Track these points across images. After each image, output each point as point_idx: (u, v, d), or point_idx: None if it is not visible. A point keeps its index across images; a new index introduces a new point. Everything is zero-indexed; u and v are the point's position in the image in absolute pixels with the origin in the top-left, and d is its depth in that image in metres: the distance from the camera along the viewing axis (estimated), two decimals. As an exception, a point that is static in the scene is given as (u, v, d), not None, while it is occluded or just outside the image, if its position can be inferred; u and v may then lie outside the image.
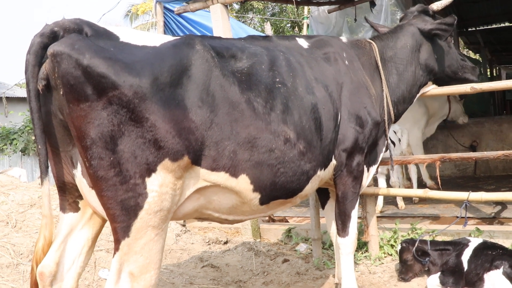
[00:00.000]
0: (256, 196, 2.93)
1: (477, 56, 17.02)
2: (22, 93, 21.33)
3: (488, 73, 16.75)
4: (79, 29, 2.42)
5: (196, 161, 2.60)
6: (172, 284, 4.42)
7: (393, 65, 3.91)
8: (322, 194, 4.07)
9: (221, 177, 2.72)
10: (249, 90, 2.82)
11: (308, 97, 3.13)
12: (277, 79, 3.01)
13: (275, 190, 3.00)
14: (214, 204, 2.90)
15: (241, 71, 2.87)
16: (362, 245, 4.85)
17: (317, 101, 3.18)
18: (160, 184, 2.44)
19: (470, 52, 18.24)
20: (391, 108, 3.81)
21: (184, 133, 2.49)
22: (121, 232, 2.41)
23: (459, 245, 4.00)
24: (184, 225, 6.24)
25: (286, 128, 2.93)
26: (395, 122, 4.00)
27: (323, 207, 4.12)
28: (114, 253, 2.45)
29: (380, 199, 6.54)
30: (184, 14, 7.32)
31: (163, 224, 2.53)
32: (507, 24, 13.67)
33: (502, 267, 3.46)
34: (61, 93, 2.31)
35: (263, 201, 3.01)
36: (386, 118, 3.80)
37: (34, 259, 2.64)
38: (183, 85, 2.53)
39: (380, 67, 3.83)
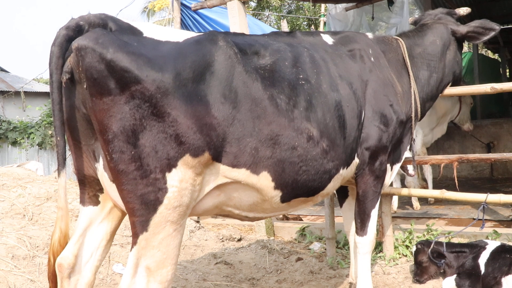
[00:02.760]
0: (278, 193, 2.93)
1: (496, 56, 16.82)
2: (40, 87, 21.58)
3: (508, 73, 16.55)
4: (103, 24, 2.45)
5: (217, 157, 2.61)
6: (185, 280, 4.46)
7: (423, 61, 3.96)
8: (340, 192, 4.08)
9: (242, 174, 2.73)
10: (272, 87, 2.82)
11: (332, 94, 3.12)
12: (301, 76, 3.01)
13: (297, 188, 3.00)
14: (234, 201, 2.91)
15: (264, 68, 2.88)
16: (377, 245, 4.84)
17: (341, 98, 3.17)
18: (180, 179, 2.47)
19: (489, 52, 18.04)
20: (418, 105, 3.82)
21: (205, 129, 2.51)
22: (139, 226, 2.44)
23: (476, 247, 3.98)
24: (198, 222, 6.28)
25: (309, 126, 2.93)
26: (420, 119, 4.00)
27: (341, 206, 4.13)
28: (132, 247, 2.47)
29: (395, 199, 6.53)
30: (200, 10, 7.36)
31: (182, 220, 2.56)
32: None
33: (521, 271, 3.44)
34: (85, 86, 2.35)
35: (284, 199, 3.02)
36: (413, 115, 3.79)
37: (50, 251, 2.67)
38: (206, 81, 2.55)
39: (408, 64, 3.84)
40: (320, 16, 8.41)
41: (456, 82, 4.30)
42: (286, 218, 6.39)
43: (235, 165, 2.69)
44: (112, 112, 2.33)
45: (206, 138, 2.52)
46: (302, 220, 6.37)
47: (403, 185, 6.58)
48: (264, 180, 2.82)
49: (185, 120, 2.45)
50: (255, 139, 2.70)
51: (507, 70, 16.58)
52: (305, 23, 21.45)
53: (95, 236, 2.81)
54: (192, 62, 2.53)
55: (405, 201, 6.98)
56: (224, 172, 2.69)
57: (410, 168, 5.64)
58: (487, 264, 3.76)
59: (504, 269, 3.57)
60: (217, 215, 3.20)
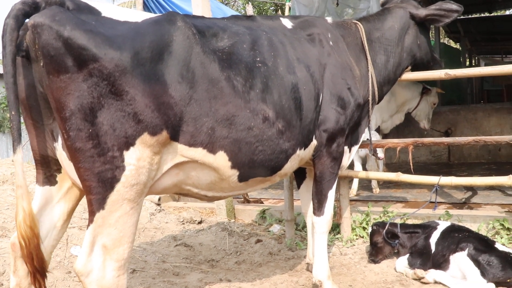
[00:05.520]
0: (235, 173, 3.06)
1: (457, 46, 17.34)
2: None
3: (468, 62, 17.10)
4: (60, 2, 2.48)
5: (175, 136, 2.70)
6: (144, 262, 4.53)
7: (380, 46, 4.06)
8: (298, 174, 4.22)
9: (199, 153, 2.83)
10: (229, 69, 2.92)
11: (289, 76, 3.24)
12: (258, 59, 3.12)
13: (254, 167, 3.13)
14: (193, 180, 3.01)
15: (222, 50, 2.97)
16: (334, 227, 5.03)
17: (298, 81, 3.28)
18: (138, 158, 2.54)
19: (451, 41, 18.56)
20: (376, 88, 3.95)
21: (163, 108, 2.59)
22: (96, 204, 2.50)
23: (428, 228, 4.20)
24: (159, 204, 6.34)
25: (265, 107, 3.04)
26: (378, 103, 4.15)
27: (298, 187, 4.28)
28: (88, 225, 2.53)
29: (355, 183, 6.74)
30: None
31: (139, 198, 2.63)
32: (486, 14, 13.98)
33: (467, 249, 3.66)
34: (41, 64, 2.38)
35: (242, 178, 3.14)
36: (370, 99, 3.93)
37: (18, 233, 2.54)
38: (164, 60, 2.62)
39: (366, 48, 3.95)
40: (286, 1, 8.48)
41: (422, 66, 4.40)
42: (247, 201, 6.52)
43: (192, 144, 2.79)
44: (70, 90, 2.37)
45: (163, 117, 2.60)
46: (262, 203, 6.51)
47: (365, 169, 6.79)
48: (221, 160, 2.94)
49: (143, 98, 2.52)
50: (211, 119, 2.81)
51: (467, 59, 17.12)
52: (272, 8, 21.45)
53: (51, 216, 2.84)
54: (150, 41, 2.59)
55: (365, 185, 7.22)
56: (181, 151, 2.79)
57: (379, 151, 5.82)
58: (437, 243, 3.98)
59: (452, 247, 3.79)
60: (176, 193, 3.29)
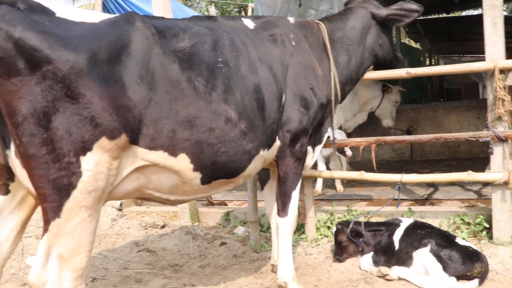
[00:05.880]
0: (197, 175, 3.03)
1: (418, 45, 17.77)
2: None
3: (428, 62, 17.56)
4: (11, 2, 2.39)
5: (134, 139, 2.66)
6: (105, 270, 4.45)
7: (343, 46, 4.12)
8: (262, 175, 4.23)
9: (160, 156, 2.80)
10: (190, 69, 2.90)
11: (251, 77, 3.24)
12: (220, 59, 3.10)
13: (217, 169, 3.12)
14: (154, 184, 2.97)
15: (183, 50, 2.94)
16: (299, 227, 5.06)
17: (260, 81, 3.29)
18: (95, 163, 2.48)
19: (412, 41, 19.01)
20: (338, 88, 4.00)
21: (122, 110, 2.54)
22: (51, 213, 2.42)
23: (391, 225, 4.29)
24: (120, 210, 6.23)
25: (227, 108, 3.04)
26: (341, 102, 4.21)
27: (262, 188, 4.29)
28: (43, 234, 2.46)
29: (319, 182, 6.81)
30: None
31: (97, 205, 2.57)
32: (444, 15, 14.41)
33: (430, 245, 3.76)
34: None
35: (205, 181, 3.12)
36: (333, 98, 3.97)
37: None
38: (122, 62, 2.57)
39: (328, 48, 4.00)
40: (249, 2, 8.49)
41: (385, 65, 4.51)
42: (211, 203, 6.49)
43: (153, 147, 2.76)
44: (22, 93, 2.29)
45: (122, 120, 2.56)
46: (227, 205, 6.49)
47: (328, 168, 6.86)
48: (183, 162, 2.91)
49: (100, 101, 2.47)
50: (172, 121, 2.78)
51: (428, 59, 17.58)
52: (236, 9, 21.43)
53: (4, 228, 2.74)
54: (108, 42, 2.54)
55: (329, 184, 7.30)
56: (141, 155, 2.75)
57: (347, 150, 5.89)
58: (400, 240, 4.07)
59: (415, 244, 3.88)
60: (138, 198, 3.25)
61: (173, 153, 2.85)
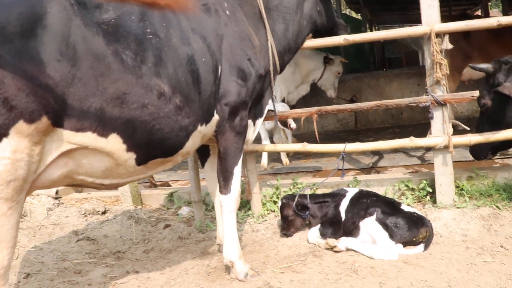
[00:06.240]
0: (131, 156, 2.91)
1: (358, 16, 17.95)
2: None
3: (368, 31, 17.78)
4: None
5: (58, 122, 2.50)
6: (41, 264, 4.23)
7: (279, 14, 4.02)
8: (202, 152, 4.11)
9: (88, 138, 2.65)
10: (117, 42, 2.73)
11: (184, 48, 3.11)
12: (148, 30, 2.95)
13: (152, 148, 3.00)
14: (85, 168, 2.82)
15: (107, 22, 2.76)
16: (245, 204, 5.00)
17: (193, 52, 3.16)
18: (13, 150, 2.31)
19: (352, 12, 19.18)
20: (276, 58, 3.92)
21: (40, 90, 2.37)
22: None
23: (337, 196, 4.29)
24: (57, 198, 5.96)
25: (160, 82, 2.90)
26: (280, 72, 4.12)
27: (203, 166, 4.19)
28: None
29: (265, 157, 6.77)
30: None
31: (18, 196, 2.40)
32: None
33: (375, 213, 3.77)
34: None
35: (140, 161, 3.00)
36: (271, 69, 3.88)
37: None
38: (37, 36, 2.39)
39: (264, 17, 3.89)
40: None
41: (326, 32, 4.45)
42: (154, 185, 6.32)
43: (80, 129, 2.61)
44: None
45: (42, 101, 2.38)
46: (170, 185, 6.34)
47: (273, 142, 6.82)
48: (114, 143, 2.77)
49: (15, 81, 2.29)
50: (99, 99, 2.62)
51: (368, 29, 17.80)
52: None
53: None
54: (18, 14, 2.34)
55: (275, 158, 7.27)
56: (68, 138, 2.59)
57: (291, 122, 5.80)
58: (347, 210, 4.07)
59: (361, 213, 3.89)
60: (69, 185, 3.09)
61: (103, 133, 2.71)
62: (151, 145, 2.98)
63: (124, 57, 2.73)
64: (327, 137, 8.79)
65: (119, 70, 2.70)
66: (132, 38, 2.83)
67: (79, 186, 3.07)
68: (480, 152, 4.51)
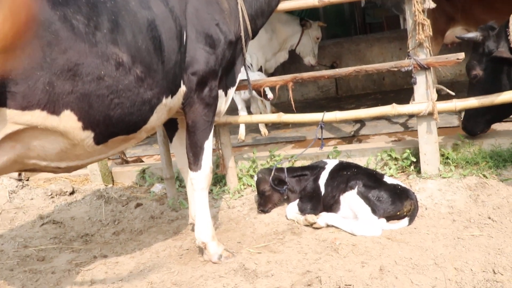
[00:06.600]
0: (89, 135, 2.69)
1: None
2: None
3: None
4: None
5: None
6: (0, 252, 4.00)
7: None
8: (169, 126, 3.88)
9: (37, 117, 2.42)
10: (65, 6, 2.47)
11: (143, 12, 2.87)
12: None
13: (112, 125, 2.78)
14: (37, 151, 2.60)
15: None
16: (220, 179, 4.79)
17: (154, 17, 2.93)
18: None
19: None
20: (248, 23, 3.69)
21: None
22: None
23: (316, 169, 4.09)
24: (20, 180, 5.67)
25: (117, 50, 2.67)
26: (253, 38, 3.90)
27: (171, 141, 3.97)
28: None
29: (242, 128, 6.53)
30: None
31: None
32: None
33: (357, 187, 3.59)
34: None
35: (99, 140, 2.78)
36: (242, 34, 3.65)
37: None
38: None
39: None
40: None
41: None
42: (125, 161, 6.05)
43: (26, 107, 2.37)
44: None
45: None
46: (143, 161, 6.09)
47: (250, 113, 6.59)
48: (68, 121, 2.55)
49: None
50: (48, 72, 2.39)
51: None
52: None
53: None
54: None
55: (254, 129, 7.04)
56: (13, 118, 2.36)
57: (268, 92, 5.55)
58: (326, 184, 3.89)
59: (341, 186, 3.72)
60: (20, 171, 2.85)
61: (54, 111, 2.48)
62: (111, 122, 2.75)
63: (74, 23, 2.49)
64: (307, 105, 8.57)
65: (70, 38, 2.46)
66: (83, 1, 2.57)
67: (32, 171, 2.83)
68: (474, 126, 4.35)
